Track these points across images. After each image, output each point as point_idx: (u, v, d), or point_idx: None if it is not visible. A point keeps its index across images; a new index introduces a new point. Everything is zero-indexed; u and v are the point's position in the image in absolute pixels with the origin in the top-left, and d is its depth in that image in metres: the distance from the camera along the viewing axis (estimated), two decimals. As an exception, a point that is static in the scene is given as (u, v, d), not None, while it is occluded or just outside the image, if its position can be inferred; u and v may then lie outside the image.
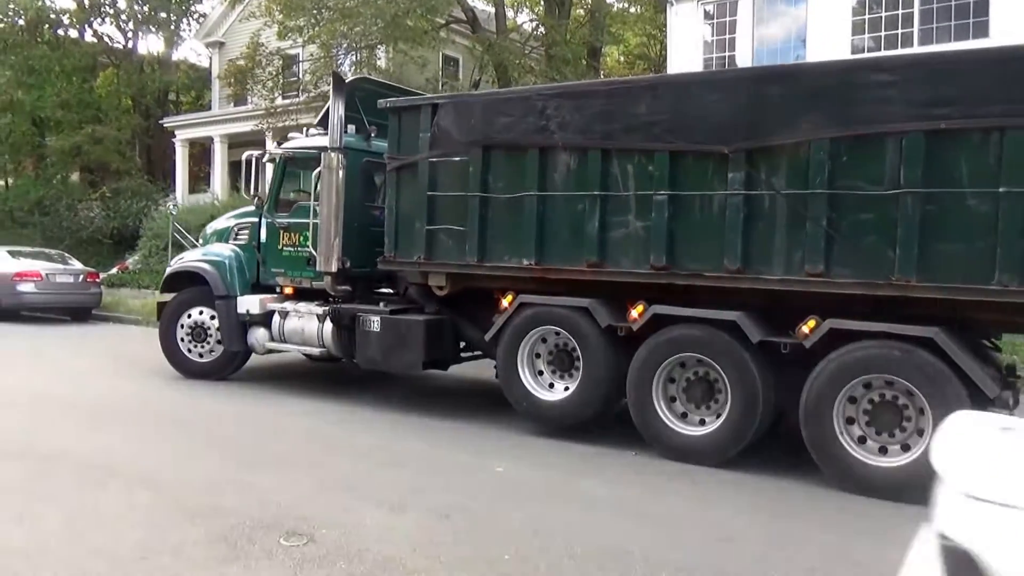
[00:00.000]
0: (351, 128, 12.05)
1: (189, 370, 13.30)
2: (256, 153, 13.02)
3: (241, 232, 13.17)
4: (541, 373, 10.05)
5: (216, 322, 12.98)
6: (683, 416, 8.97)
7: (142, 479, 7.51)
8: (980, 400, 7.17)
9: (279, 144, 13.08)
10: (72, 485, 7.34)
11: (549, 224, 9.65)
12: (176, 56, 40.81)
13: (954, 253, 7.32)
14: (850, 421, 7.95)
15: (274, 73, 26.90)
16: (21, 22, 36.28)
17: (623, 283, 9.19)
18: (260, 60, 26.33)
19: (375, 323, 11.22)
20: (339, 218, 11.54)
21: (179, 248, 16.08)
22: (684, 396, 8.98)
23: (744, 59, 22.43)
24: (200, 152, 37.42)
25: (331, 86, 11.80)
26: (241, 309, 12.65)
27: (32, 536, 6.10)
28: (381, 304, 11.52)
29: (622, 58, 41.43)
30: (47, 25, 37.40)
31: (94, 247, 31.19)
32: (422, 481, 7.68)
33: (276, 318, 12.43)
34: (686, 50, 23.25)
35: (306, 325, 12.11)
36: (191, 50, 43.53)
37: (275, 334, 12.46)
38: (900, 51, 19.26)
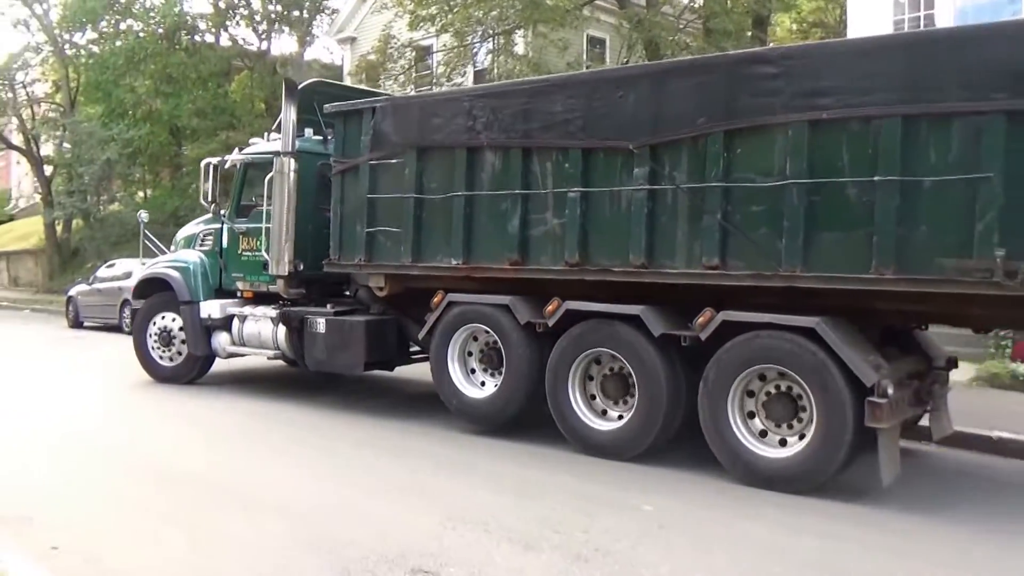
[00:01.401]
0: (308, 132, 12.42)
1: (158, 375, 13.75)
2: (215, 160, 13.48)
3: (206, 238, 13.60)
4: (474, 371, 10.31)
5: (181, 327, 13.38)
6: (603, 413, 9.16)
7: (267, 503, 7.31)
8: (860, 388, 7.31)
9: (240, 150, 13.49)
10: (199, 507, 7.22)
11: (475, 223, 9.94)
12: (308, 56, 40.35)
13: (835, 242, 7.49)
14: (751, 416, 8.11)
15: (406, 66, 26.00)
16: (160, 31, 36.72)
17: (543, 280, 9.43)
18: (391, 53, 25.54)
19: (320, 325, 11.57)
20: (290, 222, 11.92)
21: (150, 255, 16.56)
22: (601, 392, 9.18)
23: (944, 18, 18.92)
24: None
25: (283, 91, 12.21)
26: (204, 314, 13.06)
27: (158, 560, 5.98)
28: (328, 306, 11.85)
29: (794, 26, 36.91)
30: (184, 32, 37.77)
31: None
32: (558, 516, 6.98)
33: (235, 322, 12.84)
34: (870, 12, 20.09)
35: (262, 328, 12.48)
36: (323, 48, 43.33)
37: (235, 338, 12.85)
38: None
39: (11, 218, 61.58)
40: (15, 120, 44.12)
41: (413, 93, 11.26)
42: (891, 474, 7.33)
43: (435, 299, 10.40)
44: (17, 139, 46.47)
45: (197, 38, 38.72)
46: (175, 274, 13.46)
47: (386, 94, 14.29)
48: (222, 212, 13.29)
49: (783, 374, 7.89)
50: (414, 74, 26.35)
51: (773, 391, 8.00)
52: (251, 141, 13.76)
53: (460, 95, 10.41)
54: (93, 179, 34.19)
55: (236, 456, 9.16)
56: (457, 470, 8.56)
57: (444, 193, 10.15)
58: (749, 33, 24.90)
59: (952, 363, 9.16)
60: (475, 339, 10.28)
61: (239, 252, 13.01)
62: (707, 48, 21.84)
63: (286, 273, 12.02)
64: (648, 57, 22.79)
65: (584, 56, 27.54)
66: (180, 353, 13.54)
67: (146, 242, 17.24)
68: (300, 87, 12.36)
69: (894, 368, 7.83)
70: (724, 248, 8.08)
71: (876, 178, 7.20)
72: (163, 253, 15.68)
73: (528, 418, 9.81)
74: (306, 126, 12.40)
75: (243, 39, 39.84)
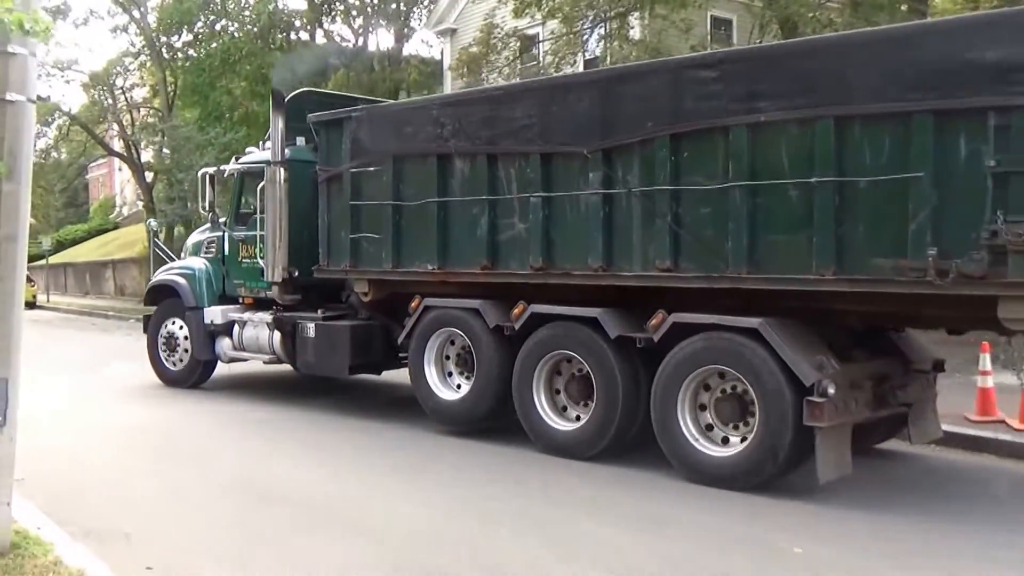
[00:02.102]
0: (300, 140, 12.67)
1: (165, 378, 14.18)
2: (211, 170, 13.82)
3: (210, 246, 13.95)
4: (451, 374, 10.50)
5: (185, 332, 13.75)
6: (563, 411, 9.31)
7: (357, 525, 6.99)
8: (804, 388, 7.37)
9: (236, 159, 13.80)
10: (288, 527, 6.94)
11: (448, 229, 10.13)
12: (406, 51, 38.20)
13: (777, 244, 7.55)
14: (700, 414, 8.19)
15: (511, 58, 24.07)
16: (255, 30, 35.56)
17: (512, 284, 9.58)
18: (495, 44, 23.59)
19: (311, 329, 11.84)
20: (282, 229, 12.19)
21: (160, 263, 16.99)
22: (566, 394, 9.31)
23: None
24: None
25: (271, 102, 12.49)
26: (207, 320, 13.41)
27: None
28: (319, 311, 12.09)
29: (959, -5, 31.60)
30: (279, 30, 36.47)
31: None
32: (681, 552, 6.31)
33: (236, 328, 13.16)
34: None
35: (260, 334, 12.79)
36: (422, 42, 40.71)
37: (235, 343, 13.17)
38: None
39: (116, 226, 62.42)
40: (115, 126, 43.50)
41: (391, 102, 11.35)
42: (831, 473, 7.36)
43: (412, 304, 10.60)
44: (118, 145, 46.54)
45: (292, 36, 37.32)
46: (182, 281, 13.85)
47: (381, 100, 14.46)
48: (221, 220, 13.60)
49: (727, 375, 7.96)
50: (519, 65, 24.57)
51: (728, 390, 8.07)
52: (247, 150, 14.06)
53: (428, 103, 10.67)
54: (192, 185, 34.15)
55: (340, 477, 8.63)
56: (559, 496, 7.83)
57: (419, 200, 10.34)
58: (904, 6, 21.81)
59: (938, 366, 9.08)
60: (452, 343, 10.46)
61: (239, 259, 13.33)
62: (855, 23, 19.06)
63: (279, 280, 12.30)
64: (784, 36, 20.71)
65: (708, 39, 24.89)
66: (182, 360, 13.90)
67: (156, 250, 17.67)
68: (289, 97, 12.60)
69: (853, 370, 7.87)
70: (676, 251, 8.17)
71: (814, 180, 7.24)
72: (171, 260, 16.00)
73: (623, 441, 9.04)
74: (299, 135, 12.64)
75: (339, 35, 38.33)
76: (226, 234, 13.54)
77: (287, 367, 13.07)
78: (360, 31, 37.53)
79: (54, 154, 52.80)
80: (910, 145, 6.79)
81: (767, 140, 7.52)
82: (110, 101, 43.01)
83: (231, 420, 11.62)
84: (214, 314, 13.38)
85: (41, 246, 42.96)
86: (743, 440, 7.89)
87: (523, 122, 9.29)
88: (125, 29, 40.04)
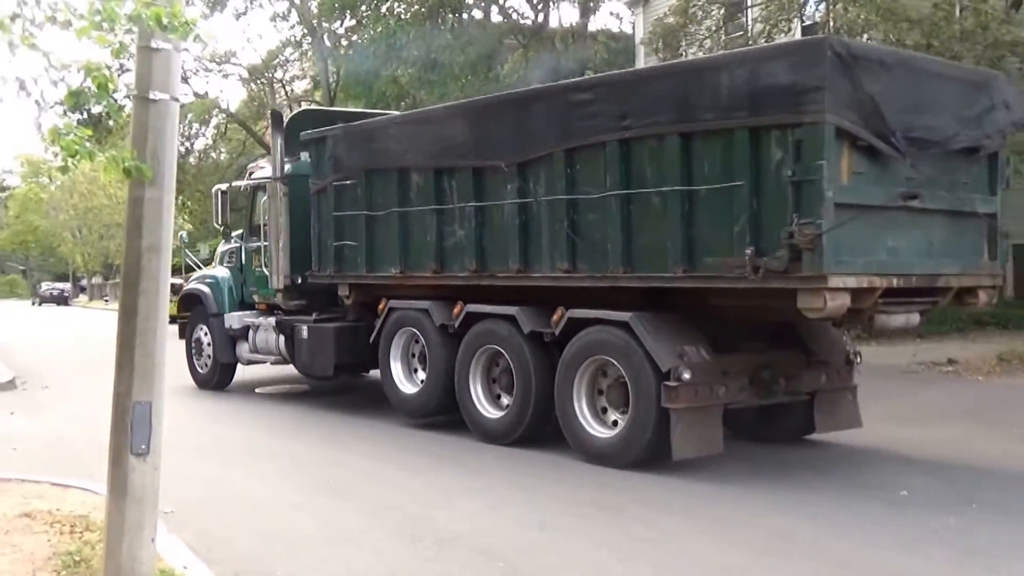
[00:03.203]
0: (304, 155, 14.14)
1: (196, 380, 15.80)
2: (223, 187, 15.47)
3: (231, 256, 15.59)
4: (416, 370, 11.81)
5: (209, 338, 15.37)
6: (497, 399, 10.55)
7: None
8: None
9: (251, 174, 15.41)
10: None
11: (408, 236, 11.48)
12: (592, 26, 35.47)
13: (644, 246, 8.70)
14: (596, 399, 9.35)
15: (713, 28, 21.54)
16: (423, 10, 32.54)
17: (455, 286, 10.88)
18: (694, 13, 20.98)
19: (304, 331, 13.30)
20: (284, 239, 13.69)
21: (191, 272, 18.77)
22: (499, 384, 10.55)
23: None
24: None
25: (270, 122, 14.03)
26: (227, 325, 15.01)
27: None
28: (314, 315, 13.54)
29: None
30: (450, 9, 33.13)
31: None
32: None
33: (250, 332, 14.70)
34: None
35: (268, 337, 14.32)
36: (611, 15, 38.83)
37: (251, 346, 14.72)
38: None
39: None
40: None
41: (365, 120, 12.73)
42: (689, 451, 8.46)
43: (380, 306, 11.97)
44: None
45: (464, 15, 34.09)
46: (206, 289, 15.51)
47: (384, 112, 15.82)
48: (233, 234, 15.22)
49: (608, 364, 9.12)
50: (723, 36, 21.94)
51: (617, 377, 9.20)
52: (260, 165, 15.64)
53: (389, 122, 12.19)
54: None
55: (514, 518, 7.66)
56: (672, 519, 7.49)
57: (385, 210, 11.72)
58: None
59: (849, 360, 9.97)
60: (416, 341, 11.77)
61: (253, 268, 14.90)
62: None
63: (282, 286, 13.78)
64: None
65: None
66: (207, 364, 15.52)
67: (187, 261, 19.43)
68: (290, 117, 14.13)
69: (728, 359, 8.93)
70: (573, 254, 9.39)
71: (665, 188, 8.37)
72: (199, 269, 17.71)
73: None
74: (303, 150, 14.12)
75: (516, 12, 35.82)
76: (242, 245, 15.13)
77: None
78: (540, 6, 35.00)
79: (212, 154, 48.92)
80: (733, 157, 7.90)
81: (632, 154, 8.71)
82: (270, 95, 40.93)
83: (387, 439, 11.20)
84: (233, 319, 14.95)
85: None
86: (622, 422, 9.02)
87: (460, 139, 10.59)
88: (285, 16, 38.61)
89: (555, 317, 9.56)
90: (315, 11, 36.50)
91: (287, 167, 13.47)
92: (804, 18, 21.06)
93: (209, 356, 15.43)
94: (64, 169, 4.87)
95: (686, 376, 8.38)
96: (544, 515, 7.53)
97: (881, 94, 7.52)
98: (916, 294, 8.30)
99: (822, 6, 20.62)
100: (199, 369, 15.74)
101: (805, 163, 7.39)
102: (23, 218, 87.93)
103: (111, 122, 32.28)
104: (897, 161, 7.73)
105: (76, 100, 4.77)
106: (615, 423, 9.21)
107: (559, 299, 9.68)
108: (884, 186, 7.82)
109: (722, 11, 21.64)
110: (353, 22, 34.39)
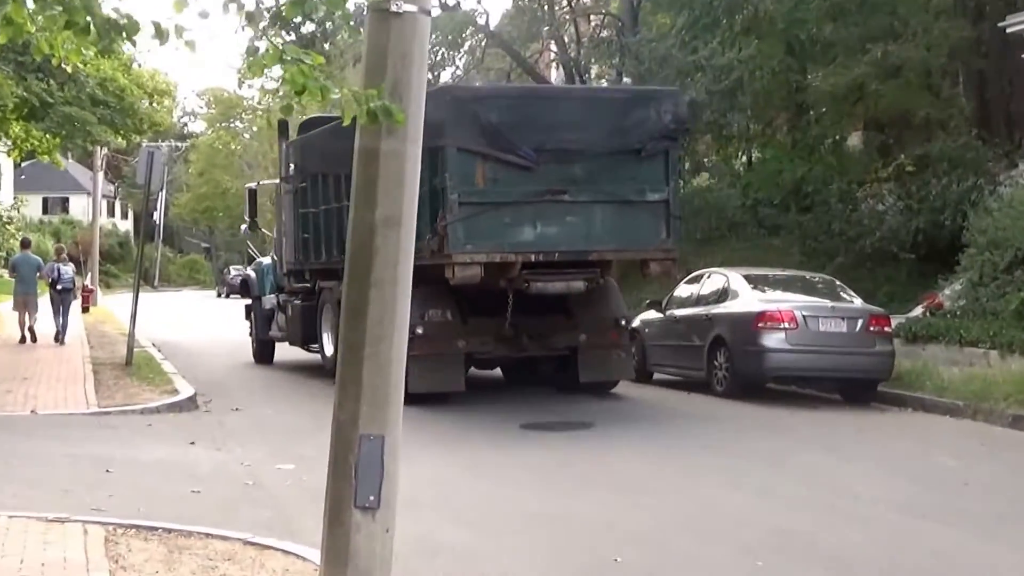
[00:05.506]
0: None
1: (255, 357, 19.25)
2: (252, 185, 19.35)
3: (275, 246, 19.38)
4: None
5: (252, 316, 19.26)
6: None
7: None
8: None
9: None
10: None
11: (328, 230, 14.82)
12: None
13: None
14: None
15: None
16: None
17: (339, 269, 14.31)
18: None
19: (288, 309, 16.93)
20: (289, 231, 17.01)
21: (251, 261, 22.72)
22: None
23: None
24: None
25: (276, 132, 17.76)
26: (266, 306, 18.70)
27: None
28: (299, 296, 17.00)
29: None
30: None
31: (885, 267, 19.69)
32: None
33: (277, 312, 18.39)
34: None
35: (280, 316, 17.95)
36: None
37: (278, 324, 18.39)
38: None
39: None
40: (552, 45, 31.93)
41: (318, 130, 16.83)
42: (420, 388, 10.92)
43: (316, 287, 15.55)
44: (555, 75, 34.50)
45: None
46: (252, 275, 19.50)
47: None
48: (261, 230, 19.14)
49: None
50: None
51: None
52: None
53: (317, 137, 15.63)
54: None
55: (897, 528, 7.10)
56: None
57: (318, 208, 15.14)
58: None
59: (619, 324, 12.72)
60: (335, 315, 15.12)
61: (277, 257, 18.63)
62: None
63: (286, 271, 17.41)
64: None
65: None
66: (255, 342, 19.18)
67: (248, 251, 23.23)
68: (301, 122, 17.60)
69: (477, 322, 12.07)
70: (341, 247, 12.52)
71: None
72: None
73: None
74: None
75: None
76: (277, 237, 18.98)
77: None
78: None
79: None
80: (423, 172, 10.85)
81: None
82: (545, 9, 30.29)
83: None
84: (269, 301, 18.53)
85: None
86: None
87: (343, 151, 13.87)
88: None
89: (329, 285, 13.58)
90: None
91: (291, 168, 16.87)
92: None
93: (252, 334, 19.26)
94: (288, 109, 4.19)
95: (419, 331, 11.25)
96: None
97: (503, 122, 10.31)
98: (571, 267, 11.05)
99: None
100: (254, 346, 19.26)
101: (440, 175, 10.32)
102: (208, 176, 68.05)
103: (326, 45, 27.34)
104: (531, 168, 10.46)
105: (301, 9, 3.75)
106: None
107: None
108: (525, 187, 10.55)
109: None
110: None
